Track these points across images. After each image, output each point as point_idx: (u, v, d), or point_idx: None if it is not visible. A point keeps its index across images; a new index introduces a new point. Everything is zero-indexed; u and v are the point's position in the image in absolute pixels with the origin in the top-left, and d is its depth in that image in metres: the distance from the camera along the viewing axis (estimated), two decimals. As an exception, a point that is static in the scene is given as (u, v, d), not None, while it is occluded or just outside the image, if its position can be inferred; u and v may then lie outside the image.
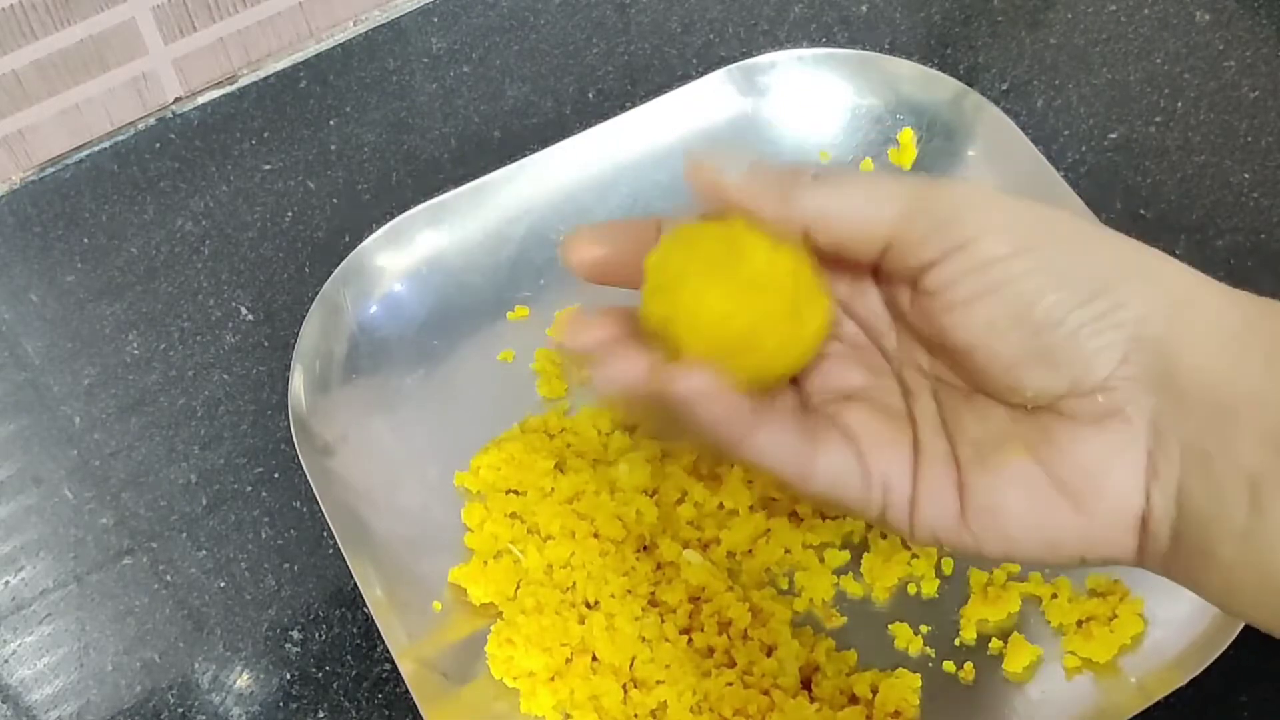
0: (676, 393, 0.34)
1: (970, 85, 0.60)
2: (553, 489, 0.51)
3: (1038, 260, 0.34)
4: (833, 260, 0.37)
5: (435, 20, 0.65)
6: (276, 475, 0.53)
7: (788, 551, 0.50)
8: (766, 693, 0.47)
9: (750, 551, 0.50)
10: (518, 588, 0.49)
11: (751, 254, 0.35)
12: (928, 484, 0.36)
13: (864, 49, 0.62)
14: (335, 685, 0.49)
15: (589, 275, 0.38)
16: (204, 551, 0.52)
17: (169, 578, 0.51)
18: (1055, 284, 0.34)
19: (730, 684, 0.47)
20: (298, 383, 0.54)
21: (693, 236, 0.35)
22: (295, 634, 0.50)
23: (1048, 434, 0.35)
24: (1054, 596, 0.49)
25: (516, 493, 0.51)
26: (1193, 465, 0.33)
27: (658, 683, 0.47)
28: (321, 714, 0.49)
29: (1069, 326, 0.34)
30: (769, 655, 0.48)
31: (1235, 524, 0.33)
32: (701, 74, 0.60)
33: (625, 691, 0.47)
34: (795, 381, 0.38)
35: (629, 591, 0.49)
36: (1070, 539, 0.35)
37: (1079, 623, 0.48)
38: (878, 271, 0.37)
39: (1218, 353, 0.34)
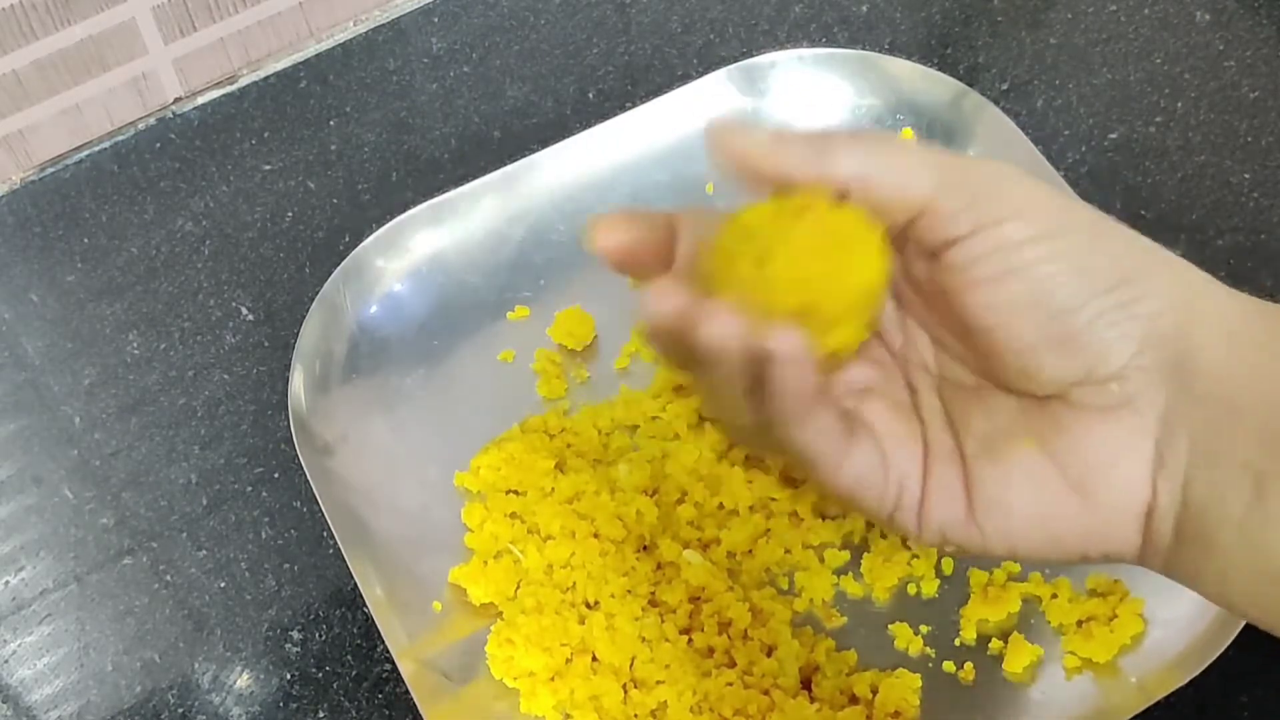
0: (773, 350, 0.33)
1: (970, 85, 0.60)
2: (553, 489, 0.51)
3: (1062, 247, 0.34)
4: None
5: (435, 20, 0.65)
6: (276, 475, 0.53)
7: (788, 551, 0.50)
8: (766, 693, 0.47)
9: (750, 551, 0.50)
10: (518, 588, 0.49)
11: (817, 220, 0.34)
12: (935, 482, 0.36)
13: (864, 49, 0.62)
14: (335, 685, 0.49)
15: (615, 262, 0.37)
16: (204, 551, 0.52)
17: (169, 578, 0.51)
18: (1077, 271, 0.34)
19: (730, 684, 0.47)
20: (298, 383, 0.54)
21: (749, 217, 0.34)
22: (295, 634, 0.50)
23: (1057, 424, 0.35)
24: (1054, 596, 0.49)
25: (516, 493, 0.51)
26: (1198, 458, 0.34)
27: (658, 683, 0.47)
28: (321, 714, 0.49)
29: (1088, 314, 0.34)
30: (769, 655, 0.48)
31: (1235, 514, 0.33)
32: (701, 74, 0.60)
33: (625, 691, 0.47)
34: None
35: (629, 591, 0.49)
36: (1074, 532, 0.35)
37: (1079, 623, 0.48)
38: (898, 242, 0.36)
39: (1227, 348, 0.34)
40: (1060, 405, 0.35)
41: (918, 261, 0.36)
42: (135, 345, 0.56)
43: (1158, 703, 0.46)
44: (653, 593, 0.49)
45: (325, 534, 0.51)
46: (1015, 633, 0.48)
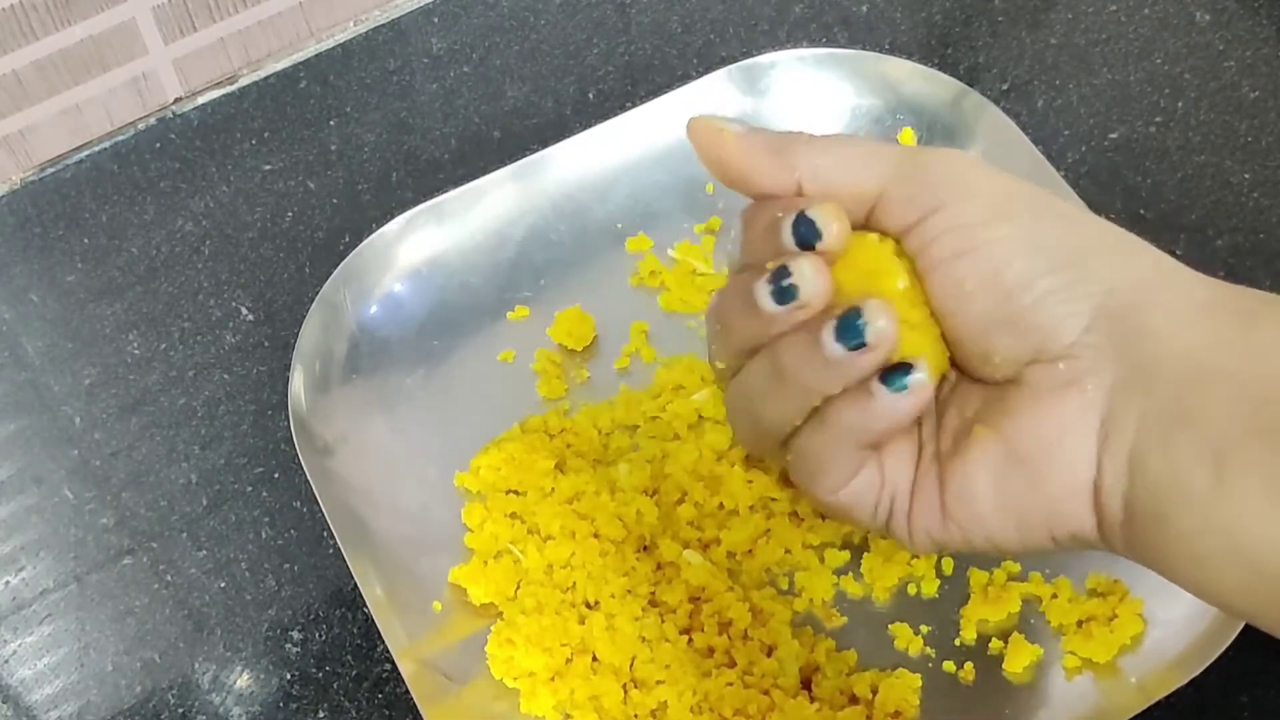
0: (914, 376, 0.35)
1: (970, 85, 0.60)
2: (553, 489, 0.51)
3: (1012, 229, 0.35)
4: None
5: (435, 20, 0.65)
6: (276, 475, 0.53)
7: (788, 551, 0.50)
8: (766, 693, 0.47)
9: (750, 551, 0.50)
10: (518, 588, 0.49)
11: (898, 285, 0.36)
12: (920, 489, 0.37)
13: (864, 49, 0.62)
14: (335, 685, 0.49)
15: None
16: (204, 551, 0.52)
17: (169, 578, 0.51)
18: (1026, 251, 0.35)
19: (730, 684, 0.47)
20: (298, 383, 0.54)
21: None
22: (295, 634, 0.50)
23: (1008, 407, 0.36)
24: (1054, 596, 0.49)
25: (516, 493, 0.51)
26: (1150, 434, 0.34)
27: (658, 683, 0.47)
28: (321, 714, 0.49)
29: (1037, 292, 0.34)
30: (769, 655, 0.48)
31: (1196, 492, 0.33)
32: (701, 74, 0.60)
33: (625, 692, 0.47)
34: None
35: (629, 592, 0.49)
36: (1034, 514, 0.36)
37: (1079, 623, 0.48)
38: None
39: (1187, 325, 0.34)
40: (1013, 389, 0.36)
41: None
42: (135, 345, 0.56)
43: (1158, 703, 0.46)
44: (653, 593, 0.49)
45: (325, 534, 0.51)
46: (1015, 633, 0.48)
